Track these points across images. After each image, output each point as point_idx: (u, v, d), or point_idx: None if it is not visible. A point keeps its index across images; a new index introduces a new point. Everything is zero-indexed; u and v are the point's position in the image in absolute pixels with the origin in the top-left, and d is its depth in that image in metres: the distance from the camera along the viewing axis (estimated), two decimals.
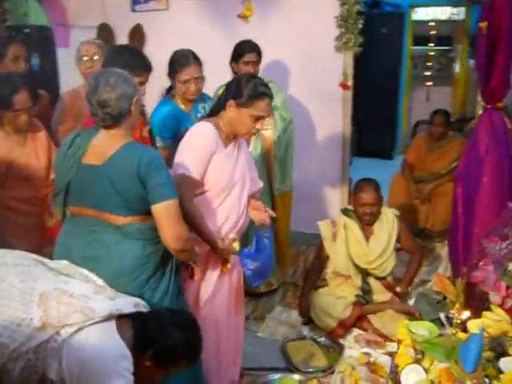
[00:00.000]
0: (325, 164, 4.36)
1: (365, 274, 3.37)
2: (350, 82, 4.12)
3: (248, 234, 2.57)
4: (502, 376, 1.91)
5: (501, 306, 2.26)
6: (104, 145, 1.93)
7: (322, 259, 3.46)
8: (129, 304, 1.82)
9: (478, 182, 2.79)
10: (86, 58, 3.26)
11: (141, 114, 2.35)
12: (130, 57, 2.46)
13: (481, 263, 2.42)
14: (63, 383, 1.64)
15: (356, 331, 3.31)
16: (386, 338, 3.21)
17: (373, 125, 6.67)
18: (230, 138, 2.30)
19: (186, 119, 2.90)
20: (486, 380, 1.87)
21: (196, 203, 2.18)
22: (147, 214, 1.90)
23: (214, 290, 2.35)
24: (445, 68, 7.70)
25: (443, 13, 7.35)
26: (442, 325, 2.71)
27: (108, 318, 1.70)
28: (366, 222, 3.35)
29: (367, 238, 3.34)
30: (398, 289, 3.43)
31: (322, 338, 3.23)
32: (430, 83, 7.55)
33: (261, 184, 2.55)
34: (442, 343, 2.14)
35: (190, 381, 2.19)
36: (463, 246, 2.92)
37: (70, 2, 4.63)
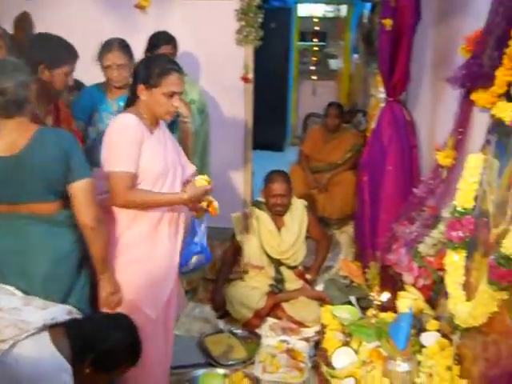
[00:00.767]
0: (228, 157, 4.36)
1: (277, 263, 3.44)
2: (250, 75, 4.16)
3: None
4: (423, 350, 2.06)
5: (413, 285, 2.43)
6: (11, 135, 1.88)
7: (235, 252, 3.48)
8: (62, 312, 1.72)
9: (382, 171, 2.96)
10: None
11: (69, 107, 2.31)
12: (56, 45, 2.37)
13: (393, 246, 2.58)
14: None
15: (271, 320, 3.37)
16: (301, 325, 3.31)
17: (263, 118, 6.80)
18: (154, 123, 2.24)
19: (102, 102, 2.89)
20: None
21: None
22: (67, 197, 1.95)
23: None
24: (327, 63, 8.06)
25: (327, 10, 7.68)
26: None
27: (41, 330, 1.59)
28: (277, 213, 3.42)
29: (279, 229, 3.42)
30: (307, 276, 3.55)
31: (239, 330, 3.25)
32: (315, 77, 7.85)
33: (193, 168, 2.49)
34: (368, 325, 2.26)
35: None
36: (370, 231, 3.08)
37: None
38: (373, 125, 3.71)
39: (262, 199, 3.48)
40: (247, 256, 3.43)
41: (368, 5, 5.51)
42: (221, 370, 2.86)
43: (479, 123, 2.25)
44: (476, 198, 2.05)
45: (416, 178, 2.97)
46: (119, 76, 2.85)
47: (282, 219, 3.43)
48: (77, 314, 1.79)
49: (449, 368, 1.92)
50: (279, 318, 3.37)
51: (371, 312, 2.34)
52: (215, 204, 2.30)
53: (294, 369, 2.89)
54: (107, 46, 2.86)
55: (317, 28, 7.89)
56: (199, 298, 3.67)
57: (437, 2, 2.88)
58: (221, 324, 3.36)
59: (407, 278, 2.46)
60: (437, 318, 2.21)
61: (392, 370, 1.90)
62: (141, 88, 2.16)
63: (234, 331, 3.24)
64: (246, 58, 4.11)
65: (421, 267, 2.44)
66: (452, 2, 2.68)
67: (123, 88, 2.89)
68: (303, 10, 7.62)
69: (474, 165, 2.03)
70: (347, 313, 2.41)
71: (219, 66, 4.11)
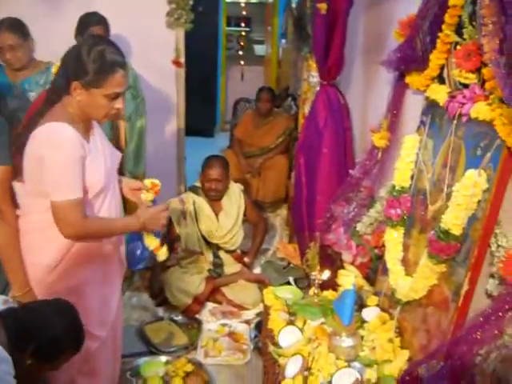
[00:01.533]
0: (161, 143, 4.28)
1: (216, 248, 3.45)
2: (182, 59, 4.10)
3: None
4: (365, 325, 2.13)
5: (352, 263, 2.51)
6: None
7: (172, 238, 3.44)
8: None
9: (318, 153, 3.01)
10: None
11: None
12: None
13: (332, 226, 2.64)
14: None
15: (211, 305, 3.39)
16: (241, 308, 3.34)
17: (193, 103, 6.73)
18: (88, 126, 1.93)
19: (4, 85, 2.80)
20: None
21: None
22: None
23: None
24: (253, 48, 8.08)
25: None
26: None
27: None
28: (213, 198, 3.41)
29: (217, 214, 3.41)
30: (245, 259, 3.58)
31: (179, 317, 3.23)
32: (243, 63, 7.85)
33: (119, 155, 2.21)
34: (311, 303, 2.31)
35: None
36: (307, 213, 3.14)
37: None
38: (306, 109, 3.77)
39: (198, 184, 3.46)
40: (184, 242, 3.41)
41: None
42: (163, 358, 2.85)
43: (412, 105, 2.33)
44: (412, 177, 2.13)
45: (350, 160, 3.05)
46: (13, 57, 2.80)
47: (220, 204, 3.43)
48: (12, 304, 1.71)
49: (390, 340, 2.00)
50: (219, 303, 3.39)
51: (313, 291, 2.38)
52: (156, 181, 2.19)
53: (236, 351, 2.93)
54: None
55: (244, 13, 7.88)
56: (136, 287, 3.61)
57: None
58: (160, 312, 3.34)
59: (346, 256, 2.53)
60: (376, 294, 2.29)
61: (337, 345, 1.94)
62: (76, 86, 1.80)
63: (174, 318, 3.22)
64: (177, 42, 4.05)
65: (359, 245, 2.51)
66: None
67: (24, 69, 2.84)
68: None
69: (411, 145, 2.11)
70: (289, 293, 2.44)
71: (150, 50, 4.00)
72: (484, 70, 1.61)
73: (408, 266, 2.06)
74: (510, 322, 1.39)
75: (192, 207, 3.37)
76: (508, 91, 1.36)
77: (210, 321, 3.24)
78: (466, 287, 1.66)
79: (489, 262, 1.63)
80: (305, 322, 2.19)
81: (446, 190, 1.84)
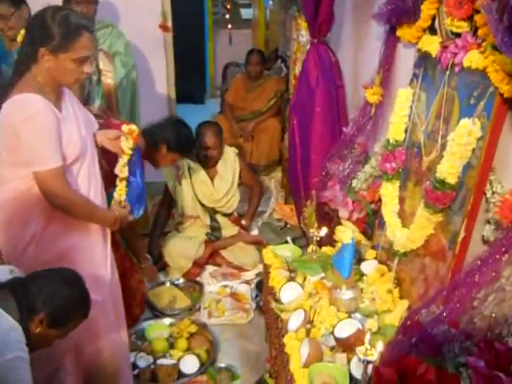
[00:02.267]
0: (152, 111, 4.24)
1: (212, 212, 3.47)
2: (169, 23, 4.03)
3: None
4: (364, 278, 2.18)
5: (348, 219, 2.54)
6: None
7: (168, 204, 3.47)
8: (4, 271, 1.65)
9: (311, 113, 3.00)
10: None
11: None
12: None
13: (328, 184, 2.66)
14: None
15: (211, 268, 3.43)
16: (240, 269, 3.39)
17: (182, 70, 6.66)
18: (59, 94, 1.91)
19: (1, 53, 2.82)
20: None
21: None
22: None
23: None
24: (240, 12, 7.94)
25: None
26: None
27: None
28: (208, 165, 3.42)
29: (212, 178, 3.43)
30: (243, 222, 3.61)
31: (181, 280, 3.28)
32: (230, 26, 7.73)
33: (96, 123, 2.17)
34: (310, 259, 2.35)
35: None
36: (302, 172, 3.15)
37: None
38: (297, 69, 3.74)
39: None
40: (181, 207, 3.43)
41: None
42: (166, 320, 2.90)
43: (404, 59, 2.33)
44: (406, 131, 2.15)
45: (343, 118, 3.05)
46: (6, 27, 2.79)
47: (215, 168, 3.44)
48: (19, 273, 1.72)
49: (389, 291, 2.05)
50: (218, 265, 3.43)
51: (311, 248, 2.42)
52: (133, 127, 2.13)
53: (239, 310, 2.98)
54: None
55: None
56: None
57: None
58: (161, 276, 3.37)
59: (343, 213, 2.56)
60: (373, 248, 2.33)
61: (338, 298, 1.99)
62: (43, 52, 1.78)
63: (176, 282, 3.26)
64: (164, 5, 3.97)
65: (355, 201, 2.54)
66: None
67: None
68: None
69: (404, 98, 2.11)
70: (288, 251, 2.47)
71: (137, 15, 3.94)
72: (476, 17, 1.61)
73: (404, 218, 2.09)
74: (507, 265, 1.43)
75: (187, 173, 3.38)
76: (501, 37, 1.37)
77: (211, 283, 3.29)
78: (462, 234, 1.70)
79: (484, 208, 1.66)
80: (305, 278, 2.23)
81: (440, 140, 1.86)
